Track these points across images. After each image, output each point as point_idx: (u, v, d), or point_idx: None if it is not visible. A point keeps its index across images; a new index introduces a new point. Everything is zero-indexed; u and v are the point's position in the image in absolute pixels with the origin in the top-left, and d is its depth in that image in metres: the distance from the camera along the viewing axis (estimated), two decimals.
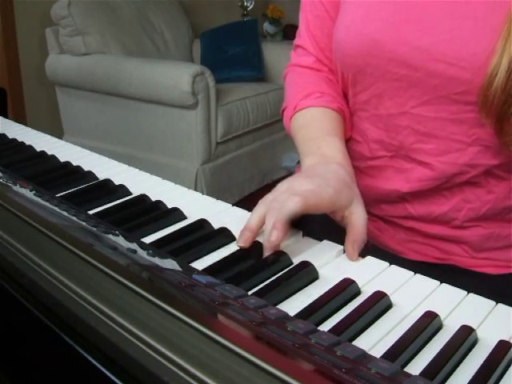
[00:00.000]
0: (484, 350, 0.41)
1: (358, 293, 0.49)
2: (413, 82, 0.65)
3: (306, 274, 0.51)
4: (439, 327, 0.45)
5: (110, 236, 0.51)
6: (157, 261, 0.48)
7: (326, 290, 0.48)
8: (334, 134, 0.70)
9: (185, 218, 0.63)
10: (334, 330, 0.42)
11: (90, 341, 0.36)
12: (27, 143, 0.87)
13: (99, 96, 2.56)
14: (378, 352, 0.40)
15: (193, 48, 3.13)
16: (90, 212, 0.63)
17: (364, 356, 0.36)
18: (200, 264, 0.53)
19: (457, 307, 0.47)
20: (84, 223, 0.53)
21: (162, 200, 0.66)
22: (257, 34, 3.04)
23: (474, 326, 0.44)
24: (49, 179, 0.73)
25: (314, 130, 0.72)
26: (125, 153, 2.52)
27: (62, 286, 0.40)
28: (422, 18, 0.64)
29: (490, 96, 0.59)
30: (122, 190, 0.70)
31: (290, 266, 0.53)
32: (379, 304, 0.47)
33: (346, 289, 0.48)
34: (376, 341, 0.42)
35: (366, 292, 0.49)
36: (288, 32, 3.32)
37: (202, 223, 0.61)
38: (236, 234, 0.59)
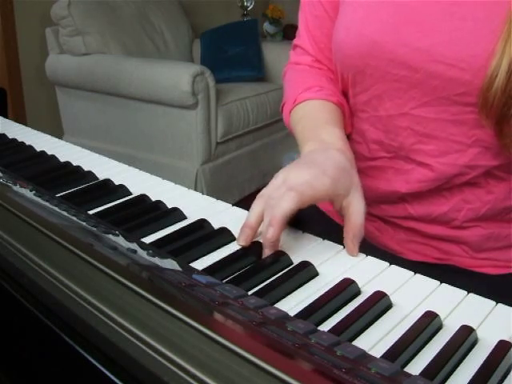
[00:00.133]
0: (484, 350, 0.41)
1: (358, 293, 0.49)
2: (413, 83, 0.65)
3: (306, 273, 0.51)
4: (439, 327, 0.45)
5: (110, 236, 0.51)
6: (157, 261, 0.48)
7: (326, 290, 0.48)
8: (333, 122, 0.70)
9: (185, 218, 0.63)
10: (334, 330, 0.42)
11: (90, 341, 0.36)
12: (27, 143, 0.87)
13: (99, 96, 2.56)
14: (378, 352, 0.40)
15: (193, 48, 3.13)
16: (90, 212, 0.63)
17: (364, 356, 0.36)
18: (200, 264, 0.53)
19: (457, 307, 0.47)
20: (84, 223, 0.53)
21: (162, 200, 0.66)
22: (257, 34, 3.04)
23: (474, 326, 0.44)
24: (49, 179, 0.73)
25: (314, 120, 0.72)
26: (125, 153, 2.52)
27: (62, 286, 0.40)
28: (422, 20, 0.64)
29: (490, 98, 0.59)
30: (122, 190, 0.70)
31: (289, 265, 0.53)
32: (379, 304, 0.47)
33: (346, 289, 0.48)
34: (376, 341, 0.42)
35: (366, 292, 0.49)
36: (288, 32, 3.31)
37: (202, 223, 0.61)
38: (236, 233, 0.59)
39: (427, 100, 0.65)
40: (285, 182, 0.57)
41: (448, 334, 0.43)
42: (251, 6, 3.38)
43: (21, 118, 2.68)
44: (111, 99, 2.53)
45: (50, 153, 0.83)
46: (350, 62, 0.70)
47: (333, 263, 0.55)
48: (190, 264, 0.53)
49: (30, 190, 0.61)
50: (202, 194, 0.70)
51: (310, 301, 0.47)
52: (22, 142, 0.88)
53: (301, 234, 0.60)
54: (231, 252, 0.56)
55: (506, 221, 0.71)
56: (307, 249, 0.57)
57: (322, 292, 0.48)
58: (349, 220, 0.58)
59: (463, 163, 0.67)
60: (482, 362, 0.40)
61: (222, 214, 0.64)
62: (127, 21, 2.75)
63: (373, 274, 0.52)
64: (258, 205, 0.57)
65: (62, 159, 0.80)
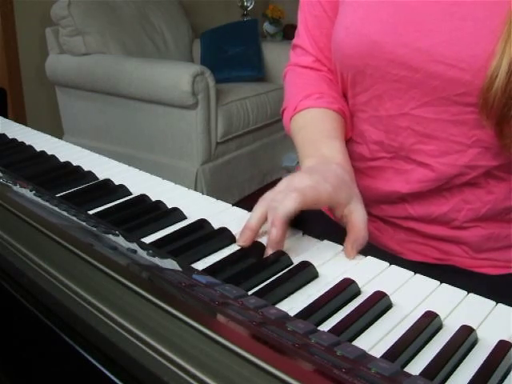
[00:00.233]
0: (484, 350, 0.41)
1: (358, 293, 0.49)
2: (413, 84, 0.65)
3: (306, 273, 0.51)
4: (439, 327, 0.45)
5: (110, 236, 0.51)
6: (157, 261, 0.48)
7: (326, 290, 0.48)
8: (333, 135, 0.70)
9: (185, 218, 0.63)
10: (334, 330, 0.42)
11: (89, 341, 0.36)
12: (27, 143, 0.87)
13: (99, 96, 2.56)
14: (377, 352, 0.40)
15: (193, 48, 3.13)
16: (90, 212, 0.63)
17: (364, 356, 0.36)
18: (200, 264, 0.53)
19: (457, 307, 0.47)
20: (84, 223, 0.53)
21: (162, 200, 0.66)
22: (257, 34, 3.04)
23: (474, 326, 0.44)
24: (49, 179, 0.73)
25: (314, 131, 0.72)
26: (125, 153, 2.52)
27: (61, 286, 0.40)
28: (422, 20, 0.64)
29: (490, 98, 0.59)
30: (122, 190, 0.70)
31: (290, 265, 0.53)
32: (379, 304, 0.47)
33: (346, 289, 0.48)
34: (376, 341, 0.42)
35: (366, 292, 0.49)
36: (288, 32, 3.32)
37: (202, 223, 0.61)
38: (236, 233, 0.59)
39: (427, 100, 0.65)
40: (288, 186, 0.57)
41: (448, 334, 0.43)
42: (251, 6, 3.38)
43: (21, 118, 2.68)
44: (111, 99, 2.53)
45: (50, 153, 0.83)
46: (349, 62, 0.70)
47: (333, 263, 0.55)
48: (190, 264, 0.53)
49: (30, 190, 0.61)
50: (202, 193, 0.70)
51: (310, 301, 0.47)
52: (22, 142, 0.88)
53: (301, 234, 0.60)
54: (231, 252, 0.56)
55: (505, 221, 0.71)
56: (307, 249, 0.57)
57: (322, 292, 0.48)
58: (352, 227, 0.58)
59: (463, 163, 0.67)
60: (481, 362, 0.40)
61: (222, 214, 0.64)
62: (127, 21, 2.75)
63: (373, 274, 0.52)
64: (259, 207, 0.57)
65: (62, 159, 0.80)
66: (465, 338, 0.42)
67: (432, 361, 0.40)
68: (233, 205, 0.67)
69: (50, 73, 2.66)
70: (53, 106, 2.81)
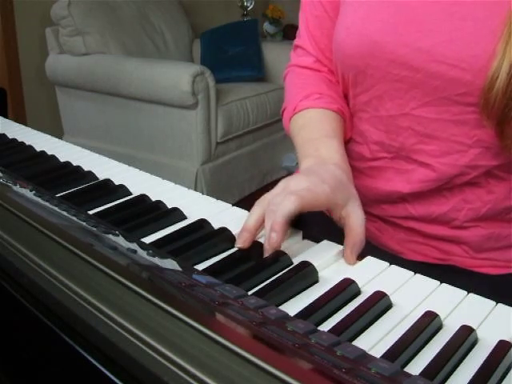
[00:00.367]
0: (484, 350, 0.41)
1: (358, 293, 0.49)
2: (413, 84, 0.65)
3: (306, 273, 0.51)
4: (439, 327, 0.45)
5: (110, 236, 0.51)
6: (157, 261, 0.48)
7: (326, 289, 0.48)
8: (332, 135, 0.70)
9: (185, 218, 0.63)
10: (334, 330, 0.42)
11: (89, 341, 0.36)
12: (27, 143, 0.87)
13: (99, 96, 2.56)
14: (377, 352, 0.40)
15: (193, 48, 3.13)
16: (90, 212, 0.63)
17: (364, 356, 0.36)
18: (200, 264, 0.53)
19: (457, 307, 0.47)
20: (84, 223, 0.53)
21: (162, 200, 0.66)
22: (257, 34, 3.04)
23: (474, 326, 0.44)
24: (49, 179, 0.73)
25: (313, 131, 0.72)
26: (125, 153, 2.52)
27: (61, 286, 0.40)
28: (423, 20, 0.64)
29: (491, 99, 0.59)
30: (122, 190, 0.70)
31: (289, 266, 0.53)
32: (379, 304, 0.46)
33: (345, 289, 0.48)
34: (376, 341, 0.42)
35: (366, 292, 0.49)
36: (288, 32, 3.31)
37: (202, 223, 0.61)
38: (236, 233, 0.59)
39: (428, 100, 0.65)
40: (285, 189, 0.57)
41: (448, 334, 0.43)
42: (251, 6, 3.38)
43: (21, 118, 2.68)
44: (111, 99, 2.53)
45: (50, 153, 0.83)
46: (350, 62, 0.70)
47: (333, 263, 0.55)
48: (190, 264, 0.53)
49: (30, 190, 0.61)
50: (202, 193, 0.70)
51: (310, 301, 0.47)
52: (22, 142, 0.88)
53: (301, 234, 0.60)
54: (231, 252, 0.56)
55: (506, 221, 0.71)
56: (307, 249, 0.57)
57: (322, 292, 0.48)
58: (349, 229, 0.58)
59: (464, 163, 0.67)
60: (481, 362, 0.40)
61: (222, 214, 0.64)
62: (127, 21, 2.75)
63: (373, 274, 0.52)
64: (257, 209, 0.57)
65: (62, 159, 0.80)
66: (465, 338, 0.42)
67: (432, 361, 0.40)
68: (233, 205, 0.67)
69: (50, 73, 2.66)
70: (53, 106, 2.81)
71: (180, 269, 0.48)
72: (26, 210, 0.52)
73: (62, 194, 0.69)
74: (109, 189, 0.71)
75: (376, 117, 0.71)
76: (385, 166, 0.73)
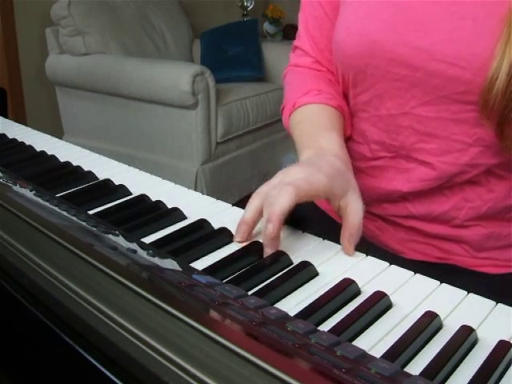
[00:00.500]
0: (484, 350, 0.41)
1: (358, 293, 0.49)
2: (413, 82, 0.65)
3: (306, 273, 0.51)
4: (439, 327, 0.45)
5: (110, 236, 0.51)
6: (157, 261, 0.48)
7: (326, 290, 0.48)
8: (331, 128, 0.70)
9: (185, 218, 0.63)
10: (334, 330, 0.42)
11: (89, 341, 0.36)
12: (27, 143, 0.87)
13: (99, 96, 2.56)
14: (378, 352, 0.40)
15: (193, 48, 3.13)
16: (90, 212, 0.63)
17: (364, 356, 0.36)
18: (200, 264, 0.53)
19: (457, 307, 0.47)
20: (84, 223, 0.53)
21: (162, 200, 0.66)
22: (257, 34, 3.04)
23: (474, 326, 0.44)
24: (49, 179, 0.73)
25: (312, 124, 0.72)
26: (125, 153, 2.52)
27: (61, 286, 0.40)
28: (422, 19, 0.64)
29: (491, 100, 0.59)
30: (122, 190, 0.70)
31: (289, 265, 0.53)
32: (379, 304, 0.46)
33: (345, 289, 0.48)
34: (376, 341, 0.42)
35: (366, 292, 0.49)
36: (288, 32, 3.31)
37: (202, 223, 0.61)
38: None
39: (428, 99, 0.65)
40: (282, 180, 0.57)
41: (448, 334, 0.43)
42: (251, 6, 3.38)
43: (21, 118, 2.68)
44: (111, 99, 2.53)
45: (50, 153, 0.83)
46: (350, 62, 0.70)
47: (333, 263, 0.55)
48: (190, 264, 0.53)
49: (30, 190, 0.61)
50: (202, 193, 0.70)
51: (310, 301, 0.47)
52: (22, 142, 0.88)
53: (301, 233, 0.60)
54: (231, 252, 0.56)
55: (506, 220, 0.71)
56: (307, 249, 0.57)
57: (322, 292, 0.48)
58: (346, 219, 0.58)
59: (464, 162, 0.67)
60: (481, 362, 0.40)
61: (222, 214, 0.64)
62: (127, 21, 2.75)
63: (373, 274, 0.52)
64: (254, 201, 0.57)
65: (62, 159, 0.80)
66: (465, 338, 0.42)
67: (432, 361, 0.40)
68: (233, 205, 0.67)
69: (50, 73, 2.66)
70: (53, 106, 2.81)
71: (180, 269, 0.48)
72: (26, 210, 0.52)
73: (62, 194, 0.69)
74: (109, 189, 0.71)
75: (376, 116, 0.71)
76: (385, 165, 0.73)
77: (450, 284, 0.50)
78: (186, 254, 0.54)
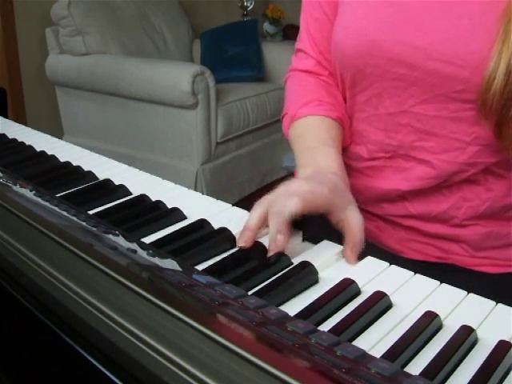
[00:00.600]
0: (484, 350, 0.41)
1: (358, 293, 0.49)
2: (412, 81, 0.66)
3: (306, 274, 0.51)
4: (439, 327, 0.45)
5: (110, 236, 0.51)
6: (157, 261, 0.48)
7: (326, 290, 0.48)
8: (330, 144, 0.71)
9: (185, 218, 0.63)
10: (334, 330, 0.42)
11: (89, 341, 0.36)
12: (27, 143, 0.87)
13: (99, 96, 2.56)
14: (378, 352, 0.40)
15: (193, 48, 3.13)
16: (90, 212, 0.63)
17: (364, 356, 0.36)
18: (200, 264, 0.53)
19: (457, 307, 0.47)
20: (84, 223, 0.53)
21: (162, 200, 0.66)
22: (257, 34, 3.04)
23: (474, 326, 0.44)
24: (49, 179, 0.73)
25: (311, 139, 0.72)
26: (125, 153, 2.52)
27: (62, 286, 0.40)
28: (420, 19, 0.64)
29: (489, 100, 0.60)
30: (122, 190, 0.70)
31: (289, 266, 0.53)
32: (379, 304, 0.47)
33: (345, 289, 0.48)
34: (376, 341, 0.42)
35: (366, 292, 0.49)
36: (288, 32, 3.31)
37: (202, 223, 0.61)
38: (236, 234, 0.59)
39: (426, 97, 0.66)
40: (287, 191, 0.57)
41: (448, 334, 0.43)
42: (251, 6, 3.38)
43: (21, 118, 2.68)
44: (111, 99, 2.53)
45: (50, 153, 0.83)
46: (349, 61, 0.71)
47: (333, 263, 0.55)
48: (190, 264, 0.53)
49: (30, 190, 0.61)
50: (202, 193, 0.70)
51: (310, 301, 0.47)
52: (22, 142, 0.88)
53: (301, 234, 0.60)
54: (231, 252, 0.56)
55: (505, 219, 0.71)
56: (307, 249, 0.57)
57: (322, 292, 0.48)
58: (350, 231, 0.58)
59: (463, 161, 0.67)
60: (481, 362, 0.40)
61: (222, 214, 0.64)
62: (127, 21, 2.75)
63: (373, 274, 0.52)
64: (259, 208, 0.57)
65: (62, 159, 0.80)
66: (465, 338, 0.42)
67: (432, 361, 0.40)
68: (233, 205, 0.67)
69: (50, 73, 2.66)
70: (53, 106, 2.81)
71: (180, 269, 0.48)
72: (26, 210, 0.52)
73: (62, 194, 0.69)
74: (109, 189, 0.71)
75: (375, 115, 0.72)
76: (382, 165, 0.74)
77: (449, 284, 0.50)
78: (185, 254, 0.54)
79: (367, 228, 0.78)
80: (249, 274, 0.51)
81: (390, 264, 0.54)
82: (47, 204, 0.57)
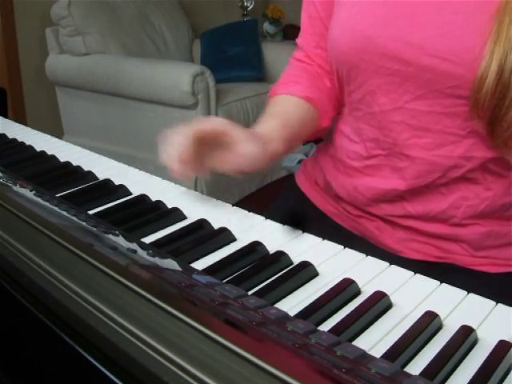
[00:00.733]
0: (484, 350, 0.41)
1: (358, 293, 0.49)
2: (406, 77, 0.66)
3: (306, 273, 0.51)
4: (439, 327, 0.45)
5: (110, 236, 0.51)
6: (157, 261, 0.48)
7: (326, 290, 0.49)
8: (275, 115, 0.76)
9: (185, 218, 0.63)
10: (334, 330, 0.42)
11: (90, 341, 0.36)
12: (27, 143, 0.87)
13: (99, 96, 2.56)
14: (378, 352, 0.40)
15: (193, 48, 3.13)
16: (90, 212, 0.63)
17: (364, 356, 0.36)
18: (200, 264, 0.53)
19: (457, 307, 0.47)
20: (84, 223, 0.53)
21: (162, 200, 0.66)
22: (257, 34, 3.04)
23: (474, 326, 0.44)
24: (49, 179, 0.73)
25: (267, 114, 0.78)
26: (125, 153, 2.51)
27: (62, 286, 0.40)
28: (414, 14, 0.65)
29: (481, 99, 0.60)
30: (122, 190, 0.70)
31: (289, 265, 0.53)
32: (379, 304, 0.47)
33: (345, 289, 0.48)
34: (376, 341, 0.42)
35: (366, 292, 0.49)
36: (288, 32, 3.31)
37: (202, 223, 0.61)
38: (236, 234, 0.59)
39: (421, 93, 0.66)
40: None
41: (448, 334, 0.43)
42: (251, 6, 3.38)
43: (21, 118, 2.68)
44: (111, 99, 2.53)
45: (50, 153, 0.83)
46: (344, 58, 0.71)
47: (333, 263, 0.55)
48: (190, 264, 0.53)
49: (30, 190, 0.61)
50: (202, 193, 0.70)
51: (310, 301, 0.47)
52: (22, 142, 0.88)
53: (301, 233, 0.60)
54: (231, 252, 0.56)
55: (505, 218, 0.71)
56: (307, 249, 0.57)
57: (322, 292, 0.48)
58: (237, 154, 0.65)
59: (458, 155, 0.67)
60: (481, 362, 0.40)
61: (222, 214, 0.64)
62: (127, 21, 2.75)
63: (373, 274, 0.52)
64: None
65: (62, 159, 0.80)
66: (465, 338, 0.42)
67: (432, 361, 0.40)
68: (233, 205, 0.67)
69: (50, 73, 2.66)
70: (53, 106, 2.81)
71: (180, 269, 0.48)
72: (26, 210, 0.52)
73: (62, 194, 0.69)
74: (109, 189, 0.71)
75: (370, 113, 0.72)
76: (380, 163, 0.74)
77: (449, 283, 0.50)
78: (185, 254, 0.54)
79: (367, 228, 0.79)
80: (249, 274, 0.51)
81: (390, 264, 0.54)
82: (47, 204, 0.57)
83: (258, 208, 0.69)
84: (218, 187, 2.49)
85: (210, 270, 0.51)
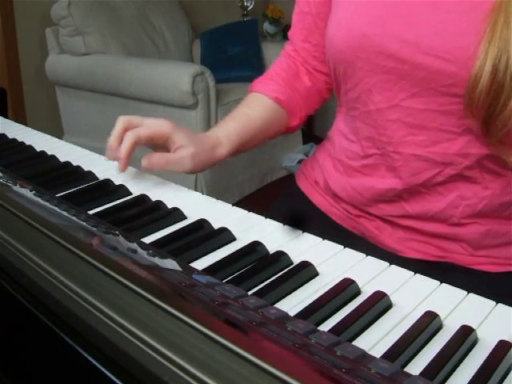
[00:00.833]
0: (484, 350, 0.41)
1: (358, 293, 0.49)
2: (401, 75, 0.66)
3: (306, 273, 0.51)
4: (439, 327, 0.45)
5: (110, 236, 0.51)
6: (157, 261, 0.48)
7: (326, 290, 0.48)
8: (234, 116, 0.83)
9: (185, 218, 0.63)
10: (334, 330, 0.42)
11: (89, 341, 0.36)
12: (27, 143, 0.87)
13: (99, 96, 2.56)
14: (378, 352, 0.40)
15: (193, 48, 3.13)
16: (90, 212, 0.63)
17: (364, 356, 0.36)
18: (200, 264, 0.53)
19: (457, 307, 0.47)
20: (84, 223, 0.53)
21: (162, 200, 0.66)
22: (257, 34, 3.04)
23: (474, 326, 0.44)
24: (49, 179, 0.73)
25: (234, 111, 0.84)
26: None
27: (62, 286, 0.40)
28: (410, 13, 0.65)
29: (475, 98, 0.60)
30: (122, 190, 0.70)
31: (290, 265, 0.53)
32: (379, 304, 0.47)
33: (345, 289, 0.48)
34: (376, 341, 0.42)
35: (366, 292, 0.49)
36: (288, 32, 3.31)
37: (202, 223, 0.61)
38: (236, 234, 0.59)
39: (416, 91, 0.66)
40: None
41: (448, 334, 0.43)
42: (251, 6, 3.38)
43: (21, 118, 2.68)
44: (111, 99, 2.53)
45: (50, 153, 0.83)
46: (341, 56, 0.72)
47: (333, 263, 0.55)
48: (190, 264, 0.53)
49: (30, 190, 0.61)
50: (202, 194, 0.70)
51: (310, 301, 0.47)
52: (22, 142, 0.88)
53: (301, 233, 0.60)
54: (231, 252, 0.56)
55: (504, 217, 0.72)
56: (307, 249, 0.57)
57: (322, 292, 0.48)
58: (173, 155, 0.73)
59: (454, 152, 0.67)
60: (481, 362, 0.40)
61: (222, 214, 0.64)
62: (127, 21, 2.75)
63: (373, 274, 0.52)
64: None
65: (62, 159, 0.80)
66: (465, 338, 0.42)
67: (432, 361, 0.40)
68: (233, 205, 0.67)
69: (50, 73, 2.66)
70: (53, 106, 2.81)
71: (180, 269, 0.48)
72: (26, 210, 0.52)
73: (62, 194, 0.69)
74: (109, 189, 0.71)
75: (365, 112, 0.72)
76: (376, 162, 0.74)
77: (449, 283, 0.50)
78: (185, 254, 0.54)
79: (366, 228, 0.79)
80: (249, 274, 0.51)
81: (390, 264, 0.54)
82: (47, 204, 0.57)
83: (258, 208, 0.69)
84: (217, 187, 2.49)
85: (210, 270, 0.51)
